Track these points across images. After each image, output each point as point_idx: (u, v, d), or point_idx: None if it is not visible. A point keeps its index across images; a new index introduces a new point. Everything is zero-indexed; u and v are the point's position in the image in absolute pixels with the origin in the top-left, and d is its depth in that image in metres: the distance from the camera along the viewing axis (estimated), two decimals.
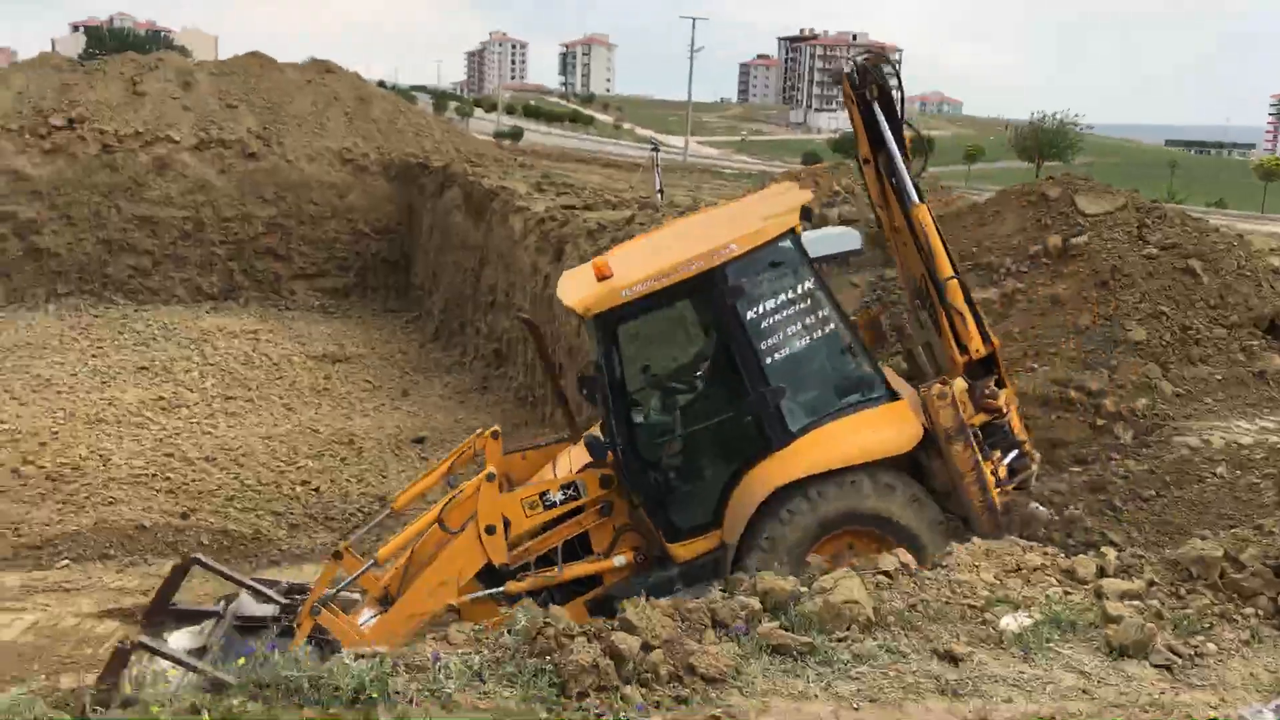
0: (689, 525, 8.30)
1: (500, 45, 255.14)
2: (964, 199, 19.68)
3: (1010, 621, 5.87)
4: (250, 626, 9.67)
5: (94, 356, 24.18)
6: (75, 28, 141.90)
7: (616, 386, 8.07)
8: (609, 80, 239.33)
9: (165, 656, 8.56)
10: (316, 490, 16.50)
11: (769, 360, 7.94)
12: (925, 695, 5.10)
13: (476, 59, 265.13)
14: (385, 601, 8.60)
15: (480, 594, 8.55)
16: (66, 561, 13.55)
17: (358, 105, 33.56)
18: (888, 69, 8.35)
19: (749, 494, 7.84)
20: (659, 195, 24.92)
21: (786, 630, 5.42)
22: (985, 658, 5.50)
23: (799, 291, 8.06)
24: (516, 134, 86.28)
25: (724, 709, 4.74)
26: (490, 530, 8.32)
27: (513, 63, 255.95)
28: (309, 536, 14.80)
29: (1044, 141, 71.35)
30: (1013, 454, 8.37)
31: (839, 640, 5.44)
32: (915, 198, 8.24)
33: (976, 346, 8.27)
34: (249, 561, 13.78)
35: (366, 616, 8.79)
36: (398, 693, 4.57)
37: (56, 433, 18.64)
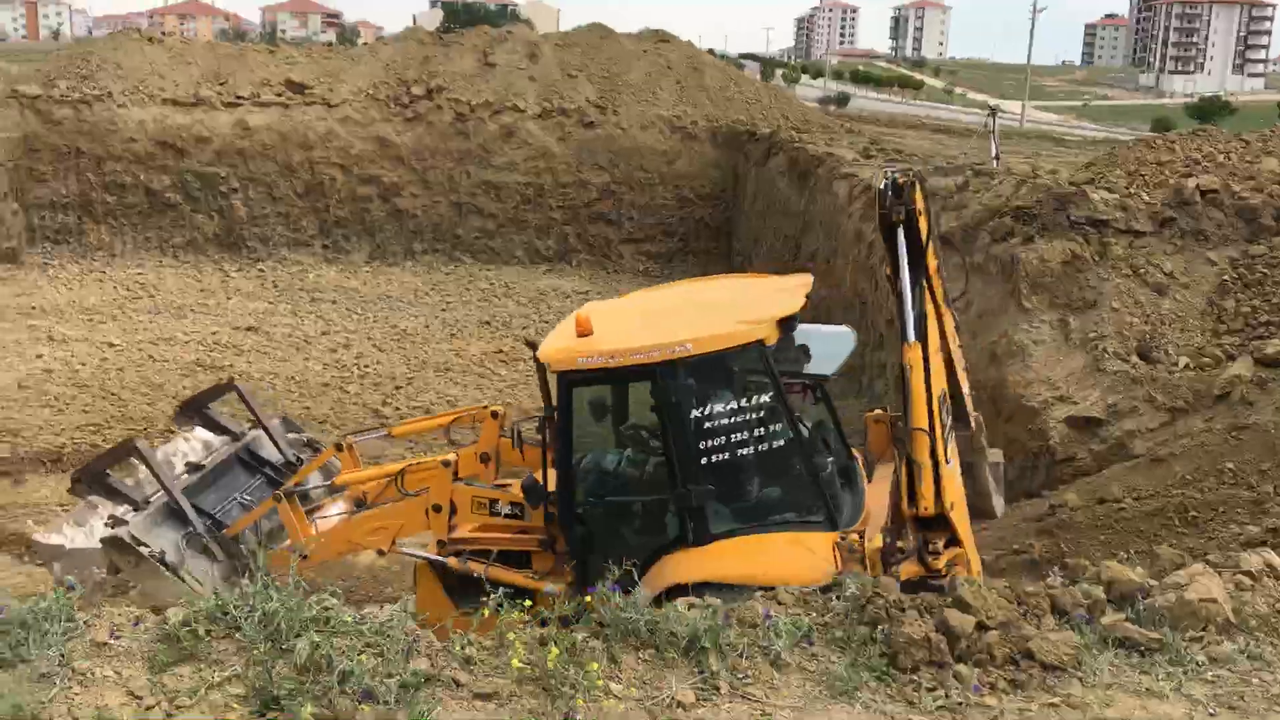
0: None
1: (830, 10, 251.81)
2: None
3: None
4: (250, 464, 11.16)
5: (444, 310, 26.18)
6: (433, 3, 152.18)
7: (563, 439, 8.14)
8: (942, 44, 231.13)
9: (149, 470, 10.19)
10: None
11: (705, 460, 7.77)
12: None
13: (805, 25, 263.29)
14: (360, 504, 9.49)
15: (412, 551, 9.30)
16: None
17: (690, 74, 34.16)
18: (918, 196, 7.61)
19: (652, 580, 7.63)
20: (994, 161, 23.85)
21: (1133, 624, 5.09)
22: None
23: (753, 402, 7.81)
24: (843, 100, 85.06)
25: (1063, 698, 4.52)
26: (437, 509, 8.84)
27: (842, 28, 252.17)
28: None
29: None
30: None
31: (1193, 640, 5.05)
32: (910, 336, 7.55)
33: (926, 505, 7.49)
34: None
35: (337, 510, 9.75)
36: (729, 644, 4.69)
37: (411, 379, 20.36)
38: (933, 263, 8.02)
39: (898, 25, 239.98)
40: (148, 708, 3.97)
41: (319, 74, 32.75)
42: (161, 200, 30.45)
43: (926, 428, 7.46)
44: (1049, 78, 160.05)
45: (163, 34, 39.66)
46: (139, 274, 28.56)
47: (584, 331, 8.00)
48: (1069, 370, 13.23)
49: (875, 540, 7.52)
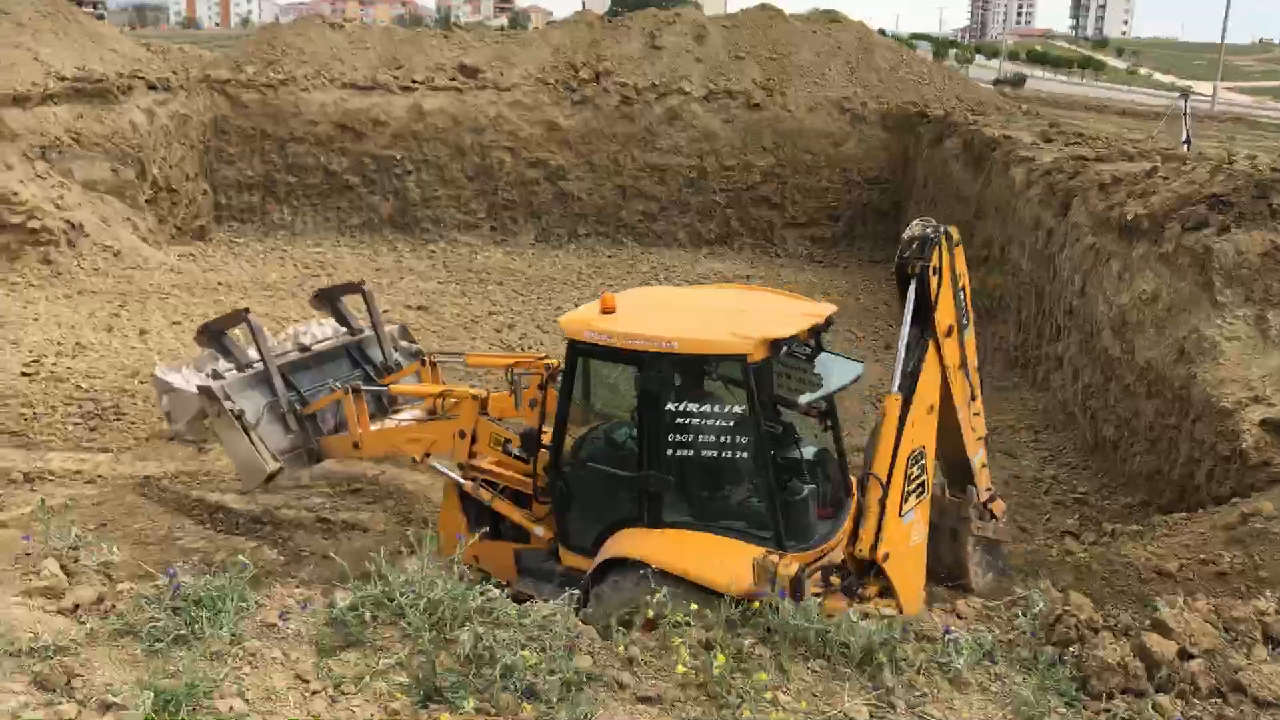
0: (574, 543, 9.13)
1: None
2: None
3: None
4: (356, 359, 12.85)
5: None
6: None
7: (562, 400, 8.95)
8: (1126, 22, 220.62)
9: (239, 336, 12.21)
10: None
11: (670, 452, 8.32)
12: None
13: (980, 4, 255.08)
14: (431, 412, 11.01)
15: (438, 466, 10.77)
16: None
17: (860, 55, 33.40)
18: (937, 254, 8.23)
19: (607, 547, 8.40)
20: (1185, 146, 22.54)
21: None
22: None
23: (725, 411, 8.27)
24: (1019, 81, 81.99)
25: None
26: (462, 435, 10.25)
27: (1019, 6, 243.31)
28: None
29: None
30: None
31: None
32: (894, 388, 8.29)
33: (862, 548, 8.07)
34: None
35: (411, 415, 11.63)
36: (904, 660, 4.44)
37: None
38: (944, 323, 8.40)
39: (1078, 3, 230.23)
40: (313, 692, 3.99)
41: (491, 58, 33.28)
42: (340, 182, 31.52)
43: (882, 476, 7.95)
44: (1243, 57, 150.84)
45: (344, 20, 41.05)
46: (318, 253, 29.64)
47: (607, 309, 8.81)
48: (1266, 370, 12.35)
49: (791, 566, 7.57)
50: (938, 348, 8.44)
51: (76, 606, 4.25)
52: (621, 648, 4.51)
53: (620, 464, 8.98)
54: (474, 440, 10.26)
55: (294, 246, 30.15)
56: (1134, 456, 13.74)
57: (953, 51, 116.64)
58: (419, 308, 23.91)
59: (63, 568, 4.49)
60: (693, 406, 8.33)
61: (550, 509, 9.55)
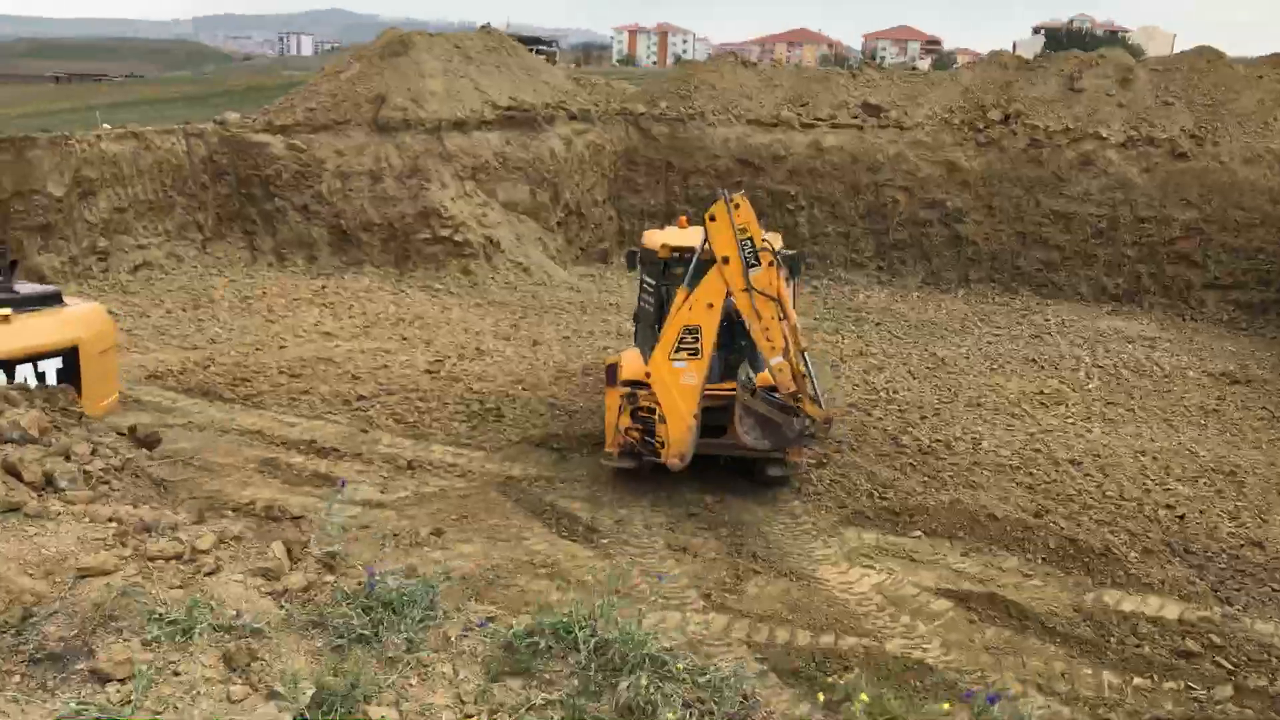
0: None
1: None
2: None
3: None
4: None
5: (989, 343, 25.00)
6: (1036, 30, 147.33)
7: (641, 280, 16.02)
8: None
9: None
10: (1181, 518, 14.94)
11: (640, 304, 15.95)
12: None
13: None
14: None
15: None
16: (919, 533, 14.04)
17: None
18: (716, 207, 12.92)
19: None
20: None
21: None
22: None
23: (647, 281, 15.52)
24: None
25: None
26: None
27: None
28: (1161, 566, 13.37)
29: None
30: (651, 445, 14.14)
31: None
32: (685, 284, 13.41)
33: (643, 370, 14.08)
34: (1090, 577, 13.00)
35: None
36: None
37: (938, 410, 19.59)
38: (719, 253, 12.90)
39: None
40: (467, 716, 4.02)
41: (896, 97, 32.90)
42: None
43: (660, 333, 13.71)
44: None
45: (771, 61, 42.12)
46: None
47: (680, 227, 16.46)
48: None
49: (614, 359, 14.86)
50: (720, 269, 12.90)
51: (285, 591, 4.56)
52: None
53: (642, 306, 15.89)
54: None
55: None
56: None
57: None
58: None
59: (288, 552, 4.85)
60: (644, 277, 15.58)
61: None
